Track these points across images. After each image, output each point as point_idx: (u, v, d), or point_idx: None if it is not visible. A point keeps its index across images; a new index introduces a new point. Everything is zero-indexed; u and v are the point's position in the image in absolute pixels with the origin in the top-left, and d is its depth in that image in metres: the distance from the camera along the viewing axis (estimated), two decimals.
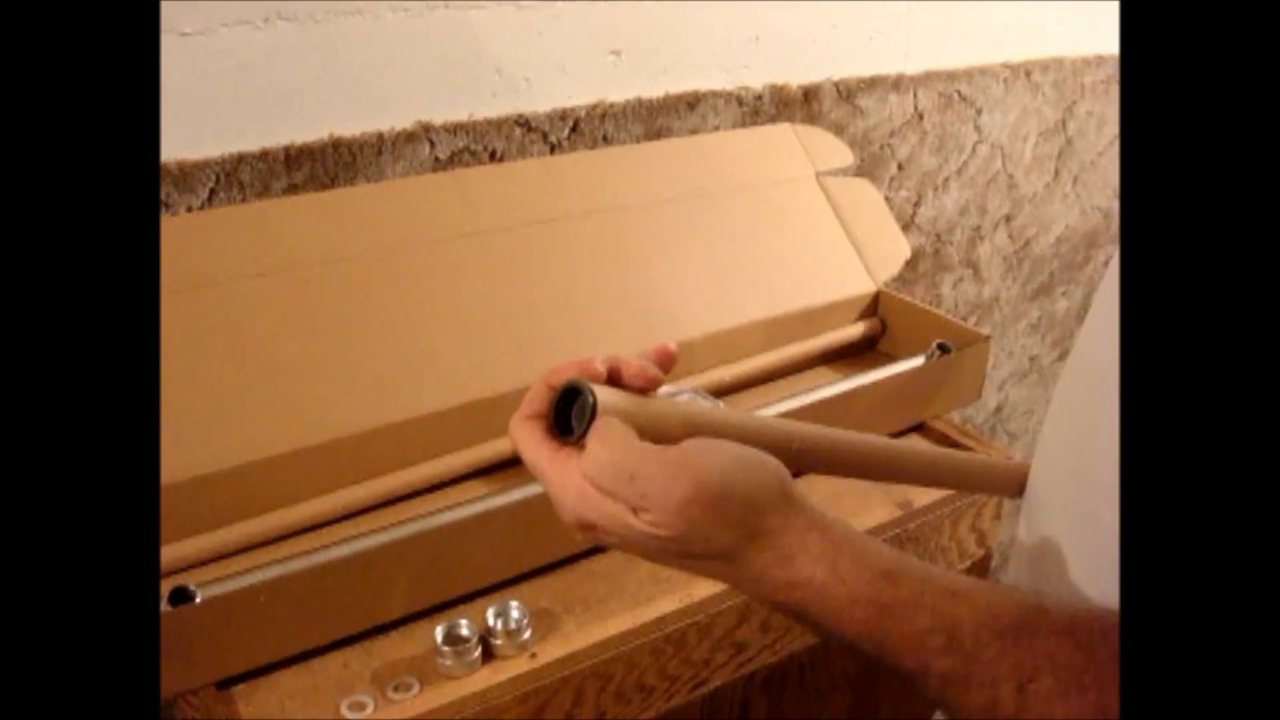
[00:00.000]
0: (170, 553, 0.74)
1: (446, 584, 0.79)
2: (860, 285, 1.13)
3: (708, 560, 0.48)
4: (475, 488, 0.89)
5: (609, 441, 0.48)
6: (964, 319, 1.28)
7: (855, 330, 1.12)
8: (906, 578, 0.46)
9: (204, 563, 0.76)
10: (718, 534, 0.47)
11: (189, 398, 0.79)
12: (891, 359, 1.05)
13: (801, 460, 0.58)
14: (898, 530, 0.92)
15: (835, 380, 0.99)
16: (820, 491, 0.92)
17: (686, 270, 1.04)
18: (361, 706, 0.72)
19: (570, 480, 0.49)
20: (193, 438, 0.77)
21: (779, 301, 1.07)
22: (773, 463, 0.49)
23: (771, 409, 0.92)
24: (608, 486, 0.47)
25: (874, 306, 1.14)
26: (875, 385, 0.98)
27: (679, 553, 0.48)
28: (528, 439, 0.51)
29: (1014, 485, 0.69)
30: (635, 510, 0.47)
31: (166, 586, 0.71)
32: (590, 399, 0.50)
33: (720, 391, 1.01)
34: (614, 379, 0.52)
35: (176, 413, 0.78)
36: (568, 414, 0.51)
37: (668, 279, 1.03)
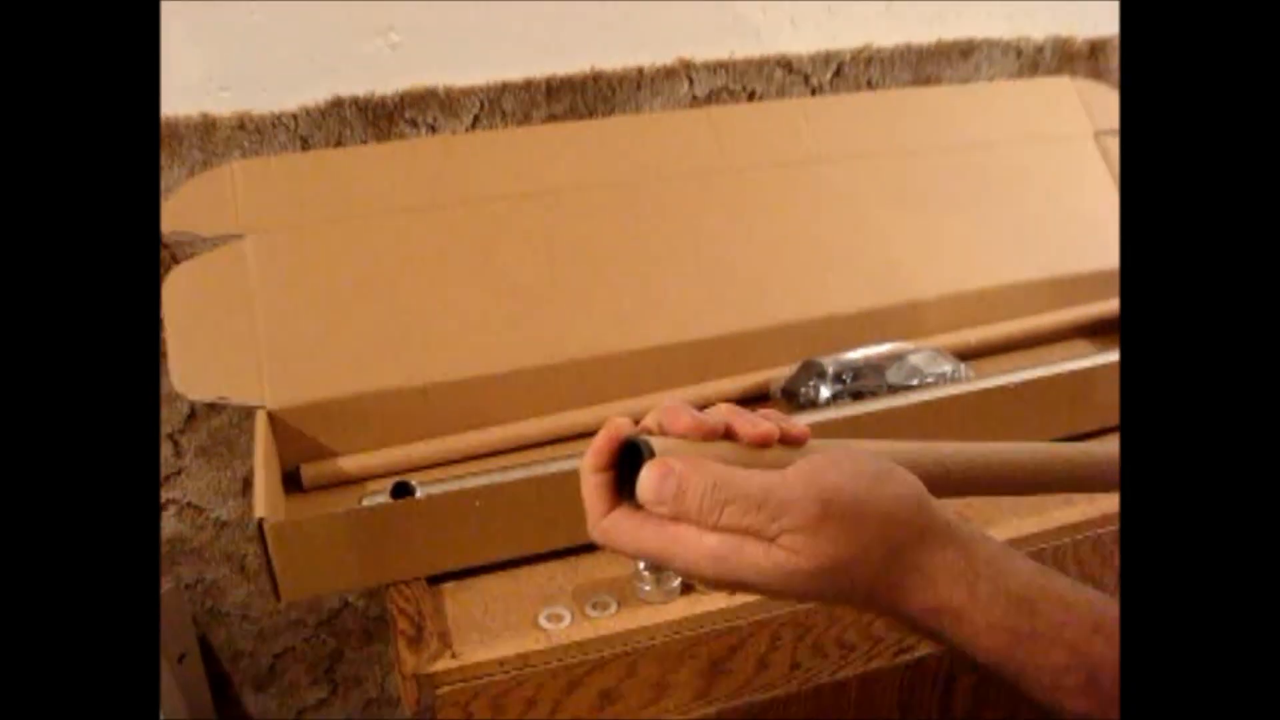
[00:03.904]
0: (397, 454, 0.79)
1: None
2: None
3: (847, 589, 0.43)
4: None
5: (701, 467, 0.43)
6: None
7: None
8: (1047, 607, 0.42)
9: (429, 466, 0.80)
10: (858, 556, 0.42)
11: (439, 310, 0.84)
12: None
13: (963, 487, 0.52)
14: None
15: (1091, 353, 0.92)
16: None
17: (939, 225, 0.99)
18: (559, 619, 0.74)
19: (682, 536, 0.44)
20: (434, 347, 0.81)
21: (1037, 265, 1.00)
22: (905, 473, 0.45)
23: (1019, 375, 0.87)
24: (730, 521, 0.42)
25: None
26: None
27: (818, 582, 0.42)
28: (598, 501, 0.48)
29: None
30: (771, 539, 0.42)
31: (391, 483, 0.75)
32: (646, 451, 0.46)
33: (964, 355, 0.96)
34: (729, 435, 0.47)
35: (427, 322, 0.83)
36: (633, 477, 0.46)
37: (911, 232, 0.98)
